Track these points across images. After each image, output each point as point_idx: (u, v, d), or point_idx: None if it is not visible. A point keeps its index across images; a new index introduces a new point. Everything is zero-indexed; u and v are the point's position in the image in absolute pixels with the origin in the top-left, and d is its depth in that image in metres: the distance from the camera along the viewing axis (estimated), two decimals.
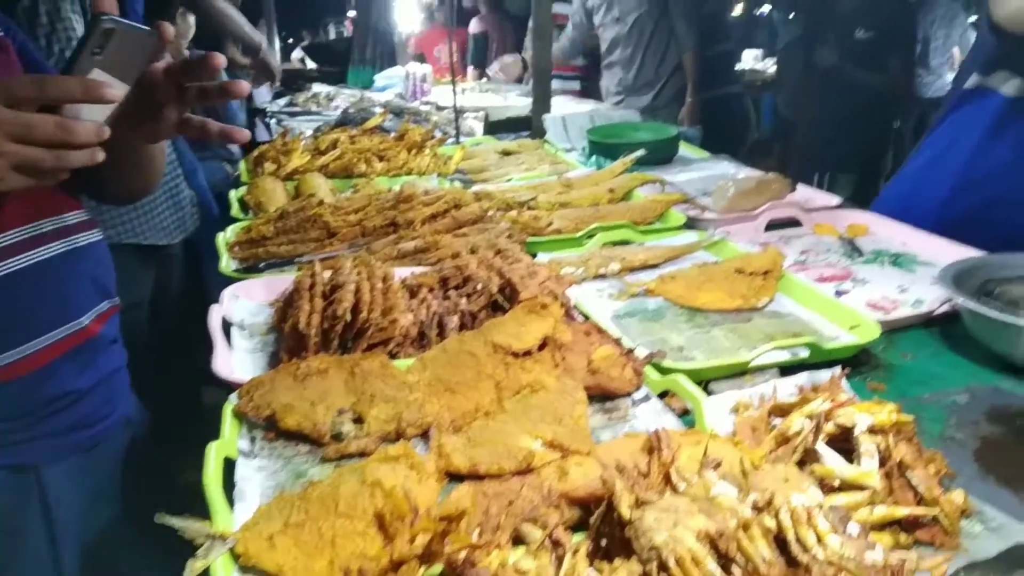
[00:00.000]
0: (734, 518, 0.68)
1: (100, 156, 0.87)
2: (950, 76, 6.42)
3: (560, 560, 0.73)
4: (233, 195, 2.08)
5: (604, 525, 0.77)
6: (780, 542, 0.69)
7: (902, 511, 0.85)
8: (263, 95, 4.65)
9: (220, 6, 2.84)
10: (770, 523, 0.69)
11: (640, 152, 2.25)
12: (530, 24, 5.33)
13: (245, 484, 0.91)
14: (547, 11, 3.00)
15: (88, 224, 1.21)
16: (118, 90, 0.85)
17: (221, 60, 0.91)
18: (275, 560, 0.78)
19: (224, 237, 1.72)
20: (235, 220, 1.92)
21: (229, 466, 0.95)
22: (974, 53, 1.96)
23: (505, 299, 1.29)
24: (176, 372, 2.17)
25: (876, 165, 4.23)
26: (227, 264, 1.60)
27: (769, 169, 2.32)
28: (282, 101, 4.54)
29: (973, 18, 6.26)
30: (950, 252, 1.67)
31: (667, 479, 0.78)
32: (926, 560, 0.73)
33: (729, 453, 0.85)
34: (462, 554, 0.69)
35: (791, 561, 0.67)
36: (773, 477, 0.77)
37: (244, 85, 0.96)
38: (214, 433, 0.99)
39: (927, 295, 1.52)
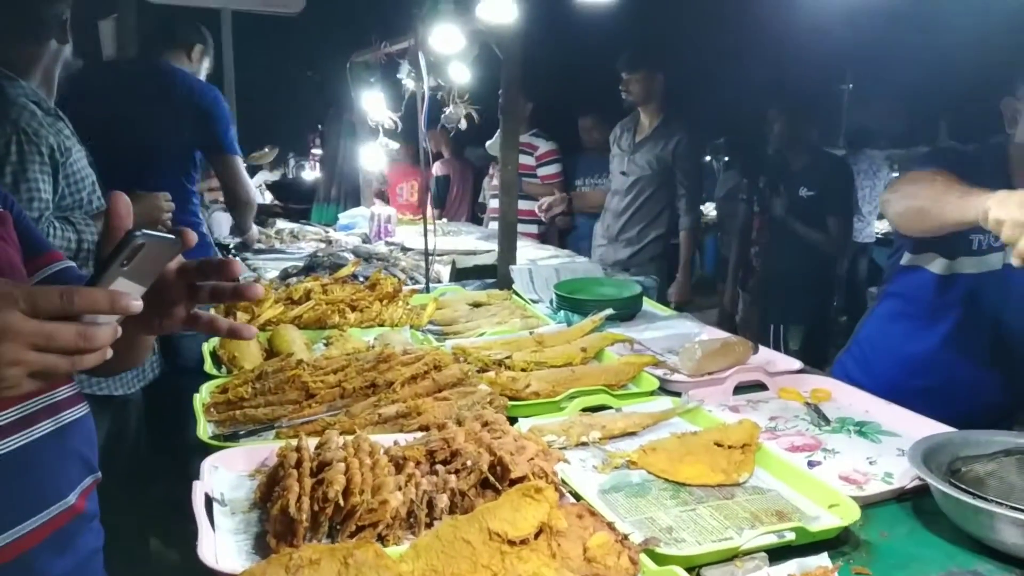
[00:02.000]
0: None
1: (109, 354, 0.88)
2: (877, 224, 6.91)
3: None
4: (205, 348, 2.06)
5: None
6: None
7: None
8: (222, 227, 4.67)
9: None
10: None
11: (608, 311, 2.33)
12: (490, 170, 5.61)
13: None
14: (514, 168, 3.17)
15: (76, 399, 1.19)
16: (138, 298, 0.87)
17: (240, 268, 0.94)
18: None
19: (200, 398, 1.70)
20: (207, 375, 1.90)
21: None
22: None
23: (496, 478, 1.29)
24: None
25: (824, 315, 4.44)
26: (204, 430, 1.56)
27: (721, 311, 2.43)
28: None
29: (896, 174, 6.82)
30: (910, 422, 1.75)
31: None
32: None
33: None
34: None
35: None
36: None
37: (257, 289, 0.99)
38: None
39: (895, 468, 1.57)
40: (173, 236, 0.90)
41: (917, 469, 1.38)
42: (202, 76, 3.33)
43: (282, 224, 4.98)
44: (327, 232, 4.72)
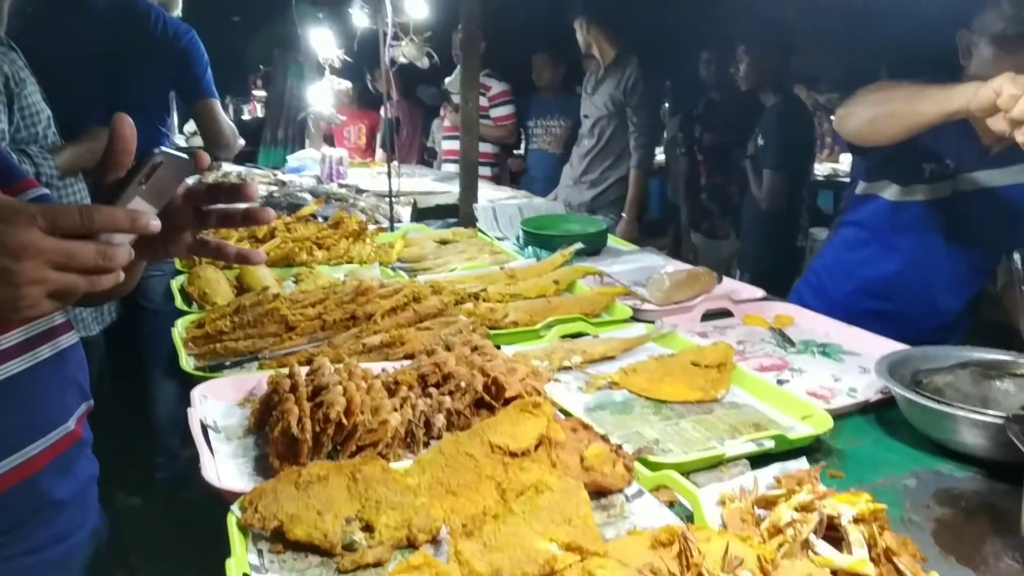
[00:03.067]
0: None
1: (123, 277, 0.86)
2: (817, 167, 7.06)
3: None
4: (174, 285, 2.03)
5: None
6: None
7: None
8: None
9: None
10: None
11: (578, 245, 2.36)
12: (441, 111, 5.53)
13: None
14: (475, 105, 3.14)
15: (68, 326, 1.16)
16: (155, 218, 0.85)
17: (255, 190, 0.93)
18: None
19: (178, 332, 1.67)
20: (179, 311, 1.86)
21: None
22: (857, 162, 2.21)
23: (491, 397, 1.32)
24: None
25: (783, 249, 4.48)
26: (186, 361, 1.55)
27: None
28: (189, 181, 4.44)
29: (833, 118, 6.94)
30: (869, 343, 1.84)
31: None
32: None
33: (745, 552, 0.91)
34: None
35: None
36: (796, 573, 0.83)
37: (270, 212, 0.98)
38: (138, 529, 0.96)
39: (858, 383, 1.66)
40: (187, 156, 0.88)
41: (885, 381, 1.46)
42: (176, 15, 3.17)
43: (228, 168, 4.84)
44: (276, 175, 4.61)
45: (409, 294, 1.79)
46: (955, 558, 1.13)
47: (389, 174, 2.85)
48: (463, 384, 1.33)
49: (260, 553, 0.98)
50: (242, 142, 2.96)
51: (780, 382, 1.67)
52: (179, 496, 2.85)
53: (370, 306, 1.75)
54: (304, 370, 1.36)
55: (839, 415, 1.53)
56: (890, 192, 2.04)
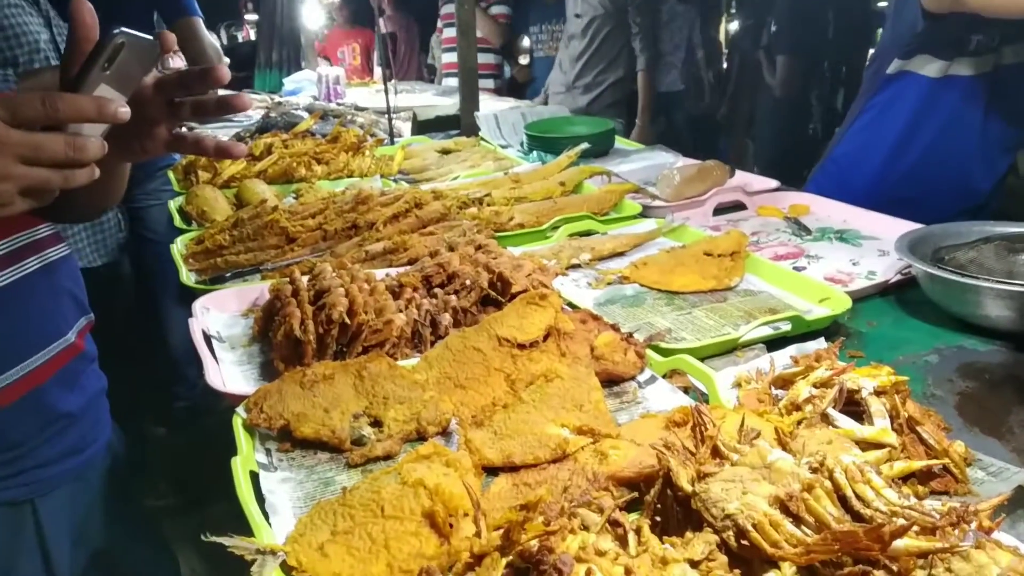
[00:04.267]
0: (796, 482, 0.71)
1: (97, 173, 0.82)
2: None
3: (621, 540, 0.74)
4: (172, 205, 1.98)
5: (660, 502, 0.78)
6: (840, 501, 0.71)
7: (919, 464, 0.90)
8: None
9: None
10: (828, 484, 0.72)
11: (584, 145, 2.28)
12: (438, 23, 5.34)
13: (274, 498, 0.87)
14: (470, 9, 3.00)
15: (57, 238, 1.13)
16: (124, 105, 0.80)
17: (226, 73, 0.87)
18: (330, 569, 0.75)
19: (177, 249, 1.64)
20: (179, 231, 1.83)
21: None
22: (889, 41, 2.09)
23: (496, 293, 1.28)
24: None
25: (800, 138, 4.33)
26: (187, 276, 1.52)
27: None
28: None
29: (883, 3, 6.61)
30: (889, 226, 1.77)
31: (714, 452, 0.80)
32: (975, 505, 0.78)
33: (762, 426, 0.88)
34: (535, 543, 0.69)
35: (855, 516, 0.70)
36: (816, 441, 0.81)
37: (246, 99, 0.92)
38: (164, 457, 0.94)
39: (877, 266, 1.61)
40: (151, 37, 0.82)
41: (906, 257, 1.41)
42: None
43: (224, 93, 4.71)
44: (273, 99, 4.50)
45: (411, 200, 1.74)
46: (979, 429, 1.10)
47: (386, 86, 2.75)
48: (468, 282, 1.30)
49: (268, 452, 0.97)
50: (227, 60, 2.85)
51: (797, 269, 1.62)
52: (202, 424, 2.88)
53: (371, 214, 1.70)
54: (306, 278, 1.33)
55: (858, 298, 1.48)
56: (931, 68, 1.93)
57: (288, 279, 1.28)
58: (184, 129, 1.00)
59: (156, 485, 2.73)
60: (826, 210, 1.97)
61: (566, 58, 4.24)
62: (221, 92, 0.97)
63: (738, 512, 0.68)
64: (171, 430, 3.09)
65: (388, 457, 0.95)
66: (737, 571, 0.66)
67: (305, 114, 3.09)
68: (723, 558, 0.67)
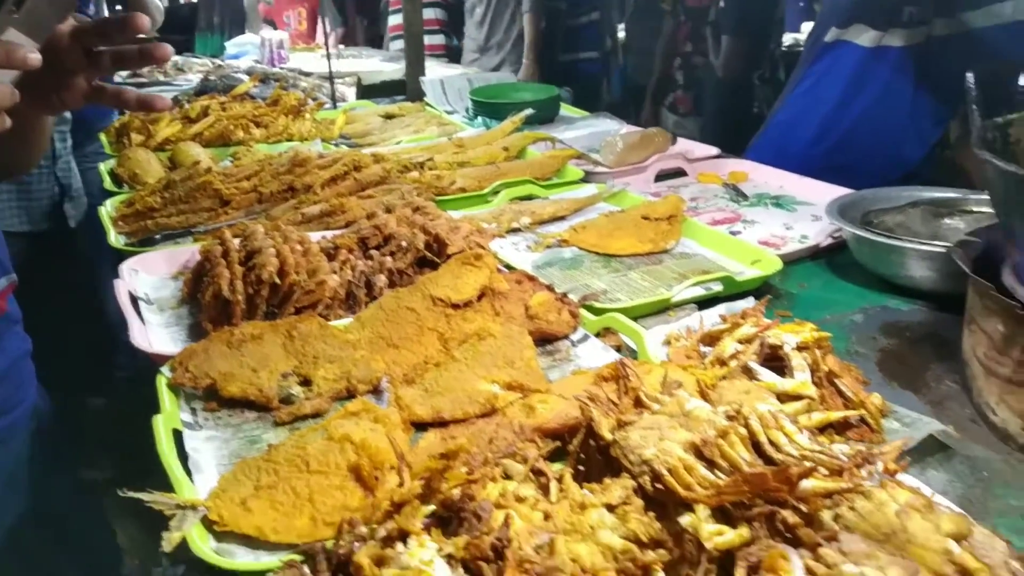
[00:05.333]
0: (711, 429, 0.73)
1: (8, 123, 0.78)
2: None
3: (544, 489, 0.75)
4: (103, 167, 1.92)
5: (582, 452, 0.79)
6: (754, 447, 0.74)
7: (836, 414, 0.93)
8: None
9: None
10: (743, 431, 0.74)
11: (529, 111, 2.27)
12: None
13: (198, 456, 0.86)
14: None
15: None
16: (35, 51, 0.77)
17: (146, 21, 0.83)
18: (253, 523, 0.75)
19: (106, 211, 1.59)
20: (110, 194, 1.77)
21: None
22: (828, 9, 2.12)
23: (433, 255, 1.27)
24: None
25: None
26: (116, 238, 1.48)
27: None
28: (124, 72, 4.21)
29: None
30: (823, 192, 1.81)
31: (637, 403, 0.81)
32: (880, 448, 0.81)
33: (684, 377, 0.90)
34: (457, 491, 0.69)
35: (767, 461, 0.72)
36: (735, 391, 0.83)
37: (167, 48, 0.89)
38: (103, 427, 0.92)
39: (810, 231, 1.64)
40: None
41: (835, 220, 1.45)
42: None
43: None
44: (215, 63, 4.37)
45: (349, 163, 1.71)
46: (898, 383, 1.14)
47: (327, 49, 2.69)
48: (404, 244, 1.29)
49: (194, 411, 0.95)
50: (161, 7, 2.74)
51: (733, 233, 1.65)
52: (143, 394, 2.82)
53: (308, 177, 1.67)
54: (239, 240, 1.31)
55: (790, 261, 1.52)
56: (865, 38, 1.97)
57: (218, 240, 1.26)
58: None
59: (95, 456, 2.67)
60: (764, 176, 2.00)
61: (472, 27, 4.26)
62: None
63: (654, 457, 0.70)
64: (111, 400, 3.02)
65: (317, 415, 0.95)
66: (652, 514, 0.68)
67: (245, 77, 3.01)
68: (639, 502, 0.69)
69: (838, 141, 2.03)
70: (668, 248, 1.50)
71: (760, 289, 1.39)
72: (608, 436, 0.75)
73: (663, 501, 0.69)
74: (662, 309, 1.27)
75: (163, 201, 1.58)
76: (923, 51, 1.90)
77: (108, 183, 1.83)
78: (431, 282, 1.15)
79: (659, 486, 0.68)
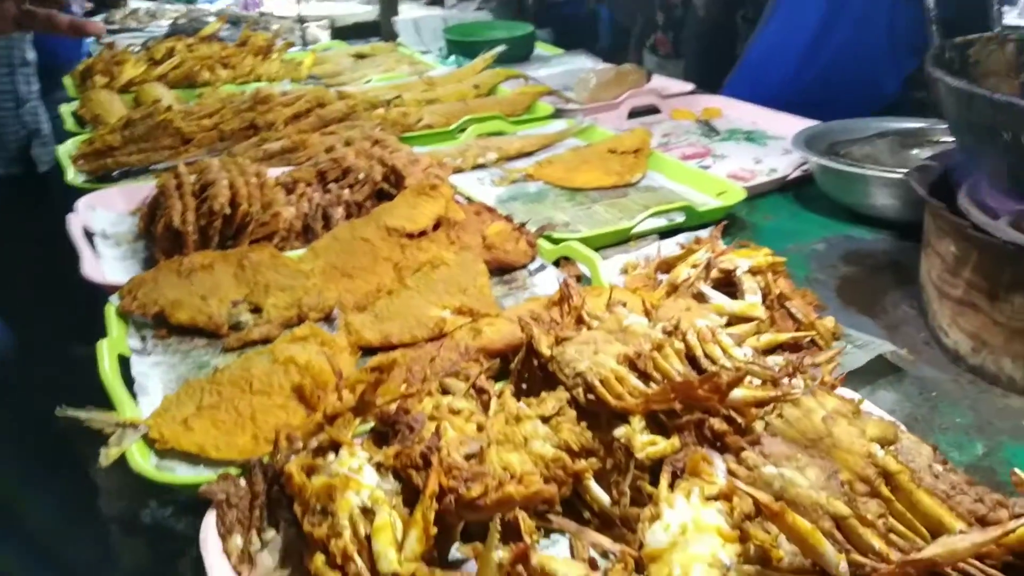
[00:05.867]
0: (647, 342, 0.73)
1: None
2: None
3: (485, 405, 0.75)
4: (65, 109, 1.89)
5: (524, 369, 0.79)
6: (691, 361, 0.74)
7: (785, 336, 0.93)
8: (75, 13, 4.19)
9: None
10: (679, 345, 0.74)
11: (501, 48, 2.23)
12: None
13: (145, 380, 0.86)
14: None
15: None
16: None
17: None
18: (193, 441, 0.75)
19: (65, 150, 1.57)
20: (71, 135, 1.74)
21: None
22: None
23: (391, 187, 1.26)
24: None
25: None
26: (74, 176, 1.46)
27: None
28: (96, 19, 4.11)
29: None
30: (795, 126, 1.77)
31: (579, 322, 0.81)
32: (817, 356, 0.81)
33: (630, 298, 0.90)
34: (393, 406, 0.69)
35: (702, 374, 0.72)
36: (676, 308, 0.83)
37: (100, 26, 0.86)
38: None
39: (779, 164, 1.63)
40: None
41: (798, 149, 1.44)
42: None
43: (136, 3, 4.46)
44: (188, 9, 4.26)
45: (312, 100, 1.68)
46: (855, 308, 1.14)
47: None
48: (362, 176, 1.27)
49: (143, 339, 0.95)
50: None
51: (702, 167, 1.63)
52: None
53: (271, 115, 1.65)
54: (194, 176, 1.29)
55: (757, 193, 1.51)
56: None
57: (174, 174, 1.24)
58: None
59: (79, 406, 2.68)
60: (738, 112, 1.98)
61: None
62: None
63: (587, 370, 0.70)
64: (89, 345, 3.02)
65: (266, 341, 0.95)
66: (583, 424, 0.68)
67: (214, 19, 2.94)
68: (572, 413, 0.69)
69: (814, 76, 2.00)
70: (633, 181, 1.48)
71: (724, 221, 1.39)
72: (546, 352, 0.75)
73: (595, 412, 0.69)
74: (624, 240, 1.27)
75: (123, 140, 1.55)
76: None
77: (70, 124, 1.80)
78: (386, 212, 1.14)
79: (591, 397, 0.69)
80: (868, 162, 1.44)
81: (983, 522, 0.59)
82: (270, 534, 0.63)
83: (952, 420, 0.91)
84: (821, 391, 0.67)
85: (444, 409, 0.69)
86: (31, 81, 2.26)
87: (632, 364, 0.71)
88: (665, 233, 1.30)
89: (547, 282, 1.11)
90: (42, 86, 2.35)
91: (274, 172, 1.38)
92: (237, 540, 0.63)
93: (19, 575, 1.23)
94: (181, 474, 0.73)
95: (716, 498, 0.58)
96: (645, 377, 0.71)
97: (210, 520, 0.64)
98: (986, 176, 0.99)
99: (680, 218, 1.31)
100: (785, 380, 0.69)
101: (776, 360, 0.74)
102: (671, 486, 0.61)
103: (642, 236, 1.28)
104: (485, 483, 0.61)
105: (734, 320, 0.95)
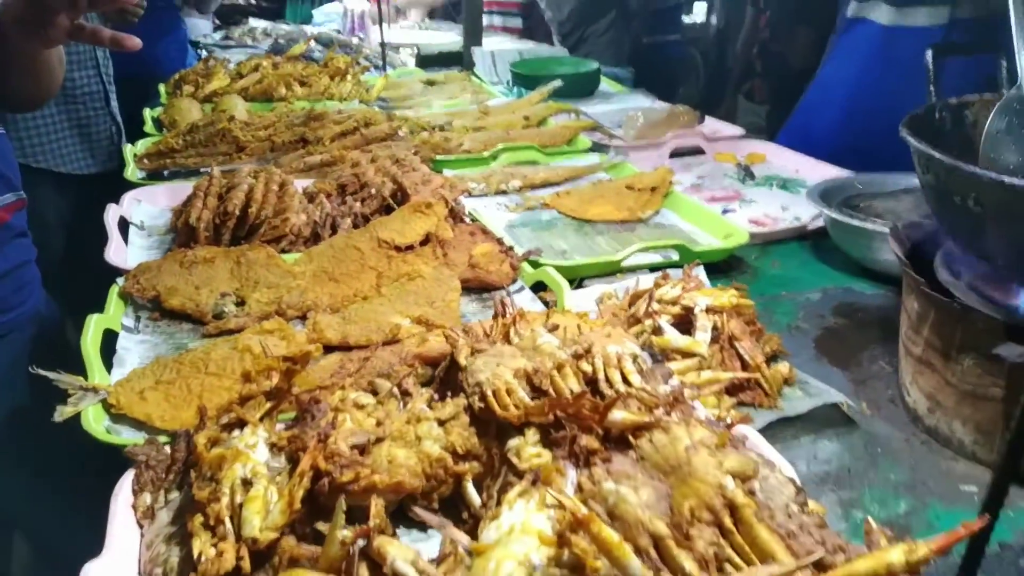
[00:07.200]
0: (551, 361, 0.77)
1: None
2: None
3: (405, 405, 0.81)
4: (147, 113, 2.08)
5: (447, 377, 0.85)
6: (594, 383, 0.77)
7: (726, 375, 0.95)
8: (201, 28, 4.58)
9: None
10: (587, 367, 0.78)
11: (557, 83, 2.30)
12: None
13: (125, 354, 0.97)
14: None
15: None
16: None
17: None
18: (145, 410, 0.84)
19: (132, 148, 1.74)
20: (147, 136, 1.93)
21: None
22: None
23: (397, 204, 1.34)
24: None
25: None
26: (133, 172, 1.62)
27: None
28: (218, 35, 4.47)
29: None
30: (834, 176, 1.77)
31: (505, 338, 0.86)
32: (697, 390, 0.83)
33: (568, 321, 0.93)
34: (307, 396, 0.76)
35: (600, 396, 0.75)
36: (598, 334, 0.86)
37: (136, 41, 0.99)
38: None
39: (806, 213, 1.62)
40: None
41: (812, 200, 1.43)
42: None
43: (255, 22, 4.81)
44: (299, 29, 4.57)
45: (360, 119, 1.80)
46: (828, 359, 1.13)
47: (380, 14, 2.79)
48: (373, 191, 1.36)
49: (138, 318, 1.06)
50: None
51: (726, 211, 1.64)
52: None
53: (321, 131, 1.77)
54: (226, 181, 1.41)
55: (774, 240, 1.51)
56: (882, 14, 1.89)
57: (208, 177, 1.36)
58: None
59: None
60: (782, 160, 1.97)
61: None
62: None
63: (485, 381, 0.75)
64: None
65: (241, 331, 1.04)
66: (472, 429, 0.73)
67: (314, 42, 3.16)
68: (465, 419, 0.74)
69: (859, 125, 1.96)
70: (644, 217, 1.51)
71: (730, 264, 1.40)
72: (463, 362, 0.81)
73: (486, 420, 0.74)
74: (614, 272, 1.30)
75: (184, 143, 1.71)
76: (946, 32, 1.81)
77: (149, 126, 1.99)
78: (381, 225, 1.22)
79: (482, 405, 0.73)
80: (889, 217, 1.42)
81: (817, 565, 0.60)
82: (174, 495, 0.71)
83: (886, 476, 0.90)
84: (695, 422, 0.69)
85: (349, 403, 0.75)
86: (112, 81, 2.47)
87: (529, 379, 0.75)
88: (661, 269, 1.32)
89: (523, 303, 1.16)
90: (147, 94, 2.59)
91: (307, 183, 1.49)
92: (147, 498, 0.71)
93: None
94: (126, 437, 0.82)
95: (561, 507, 0.62)
96: (540, 392, 0.75)
97: (127, 477, 0.73)
98: (952, 239, 0.97)
99: (674, 255, 1.33)
100: (660, 410, 0.71)
101: (665, 390, 0.76)
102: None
103: (633, 271, 1.31)
104: (357, 471, 0.67)
105: (681, 355, 0.98)
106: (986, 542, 0.63)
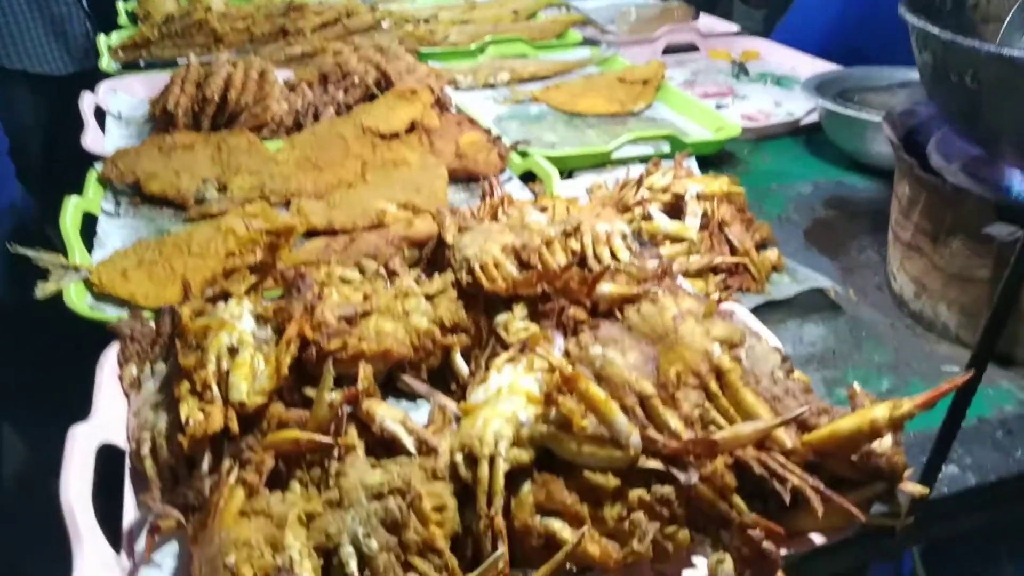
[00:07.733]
0: (539, 238, 0.76)
1: None
2: None
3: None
4: (121, 5, 2.00)
5: (435, 256, 0.84)
6: (583, 259, 0.77)
7: (715, 259, 0.94)
8: None
9: None
10: (575, 245, 0.77)
11: None
12: None
13: (106, 237, 0.95)
14: None
15: None
16: None
17: None
18: (128, 289, 0.83)
19: (106, 40, 1.67)
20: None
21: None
22: None
23: (381, 92, 1.31)
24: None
25: None
26: (108, 63, 1.56)
27: None
28: None
29: None
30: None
31: (493, 218, 0.85)
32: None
33: (556, 202, 0.92)
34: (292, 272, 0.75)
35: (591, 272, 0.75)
36: (587, 213, 0.85)
37: None
38: None
39: (799, 109, 1.59)
40: None
41: (807, 92, 1.40)
42: None
43: None
44: None
45: (341, 10, 1.73)
46: (817, 248, 1.13)
47: None
48: (356, 79, 1.32)
49: (118, 203, 1.04)
50: None
51: (718, 107, 1.61)
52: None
53: (302, 22, 1.71)
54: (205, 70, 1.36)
55: (767, 135, 1.49)
56: None
57: (185, 66, 1.32)
58: None
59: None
60: (777, 57, 1.92)
61: None
62: None
63: (473, 256, 0.74)
64: None
65: (224, 216, 1.02)
66: (460, 303, 0.73)
67: None
68: (453, 293, 0.74)
69: (856, 23, 1.91)
70: (636, 110, 1.48)
71: (722, 158, 1.38)
72: (450, 239, 0.80)
73: (474, 294, 0.73)
74: (604, 164, 1.28)
75: (160, 35, 1.64)
76: None
77: (123, 19, 1.91)
78: (364, 112, 1.18)
79: (469, 279, 0.73)
80: (883, 109, 1.39)
81: (801, 425, 0.61)
82: (160, 366, 0.71)
83: (870, 358, 0.91)
84: (682, 293, 0.69)
85: (335, 278, 0.74)
86: None
87: (517, 254, 0.74)
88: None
89: (512, 193, 1.14)
90: None
91: (288, 74, 1.44)
92: (132, 369, 0.71)
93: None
94: (110, 314, 0.81)
95: (551, 371, 0.62)
96: (528, 267, 0.74)
97: (112, 350, 0.72)
98: (947, 121, 0.96)
99: (666, 147, 1.30)
100: (650, 283, 0.71)
101: (652, 265, 0.75)
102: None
103: (624, 163, 1.29)
104: (344, 340, 0.66)
105: (672, 239, 0.97)
106: (966, 406, 0.64)
